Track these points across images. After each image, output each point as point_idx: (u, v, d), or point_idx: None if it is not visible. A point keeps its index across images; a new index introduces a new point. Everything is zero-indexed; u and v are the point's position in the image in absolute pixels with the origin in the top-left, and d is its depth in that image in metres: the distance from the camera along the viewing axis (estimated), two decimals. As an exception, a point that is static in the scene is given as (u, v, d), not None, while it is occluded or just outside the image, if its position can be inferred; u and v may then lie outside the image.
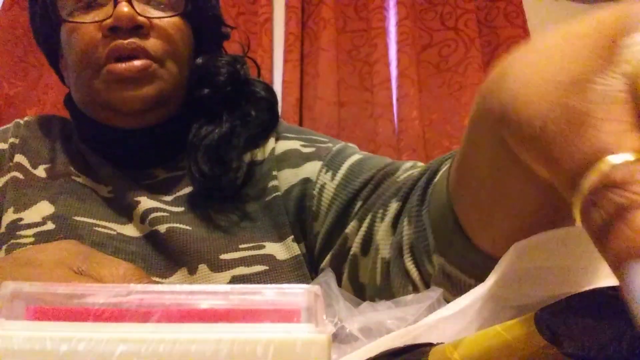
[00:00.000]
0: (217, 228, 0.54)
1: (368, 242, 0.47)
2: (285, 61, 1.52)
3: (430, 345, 0.21)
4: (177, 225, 0.53)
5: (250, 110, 0.60)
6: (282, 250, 0.54)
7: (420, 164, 0.50)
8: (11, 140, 0.59)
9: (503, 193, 0.28)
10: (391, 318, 0.27)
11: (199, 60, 0.60)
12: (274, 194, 0.56)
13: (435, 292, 0.29)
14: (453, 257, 0.35)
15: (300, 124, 1.47)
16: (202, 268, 0.50)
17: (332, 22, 1.58)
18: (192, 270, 0.50)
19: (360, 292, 0.48)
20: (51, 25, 0.57)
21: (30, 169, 0.57)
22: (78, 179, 0.57)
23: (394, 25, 1.59)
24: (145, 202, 0.55)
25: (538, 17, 1.78)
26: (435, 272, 0.37)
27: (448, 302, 0.29)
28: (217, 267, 0.50)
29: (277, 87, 1.52)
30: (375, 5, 1.62)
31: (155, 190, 0.58)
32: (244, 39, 0.65)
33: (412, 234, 0.40)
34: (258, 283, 0.50)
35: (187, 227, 0.53)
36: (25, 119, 0.63)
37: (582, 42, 0.19)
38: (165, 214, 0.54)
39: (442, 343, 0.21)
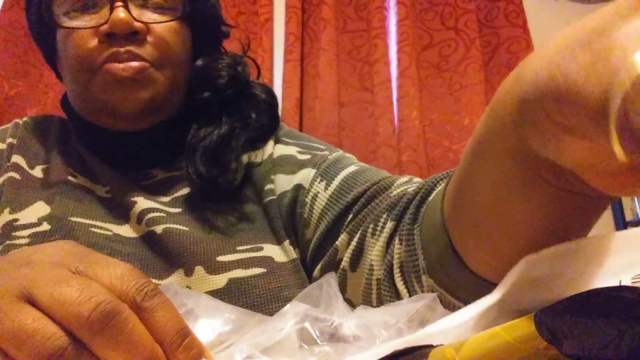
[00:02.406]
0: (214, 229, 0.54)
1: (358, 257, 0.47)
2: (285, 61, 1.52)
3: (430, 347, 0.21)
4: (174, 226, 0.52)
5: (250, 112, 0.60)
6: (280, 252, 0.53)
7: (416, 179, 0.49)
8: (9, 140, 0.58)
9: (504, 217, 0.27)
10: (387, 315, 0.27)
11: (199, 63, 0.60)
12: (270, 197, 0.56)
13: (431, 294, 0.29)
14: (443, 278, 0.34)
15: (300, 124, 1.47)
16: (199, 270, 0.50)
17: (332, 22, 1.58)
18: (189, 272, 0.50)
19: None
20: (47, 26, 0.56)
21: (27, 169, 0.56)
22: (75, 180, 0.57)
23: (394, 25, 1.59)
24: (142, 203, 0.54)
25: (538, 17, 1.78)
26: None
27: (442, 302, 0.29)
28: (214, 269, 0.50)
29: (277, 87, 1.52)
30: (375, 5, 1.62)
31: (153, 191, 0.57)
32: (243, 37, 0.64)
33: (402, 253, 0.40)
34: (256, 286, 0.49)
35: (184, 228, 0.53)
36: (24, 119, 0.63)
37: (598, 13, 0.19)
38: (161, 214, 0.54)
39: (442, 345, 0.21)
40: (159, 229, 0.52)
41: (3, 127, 0.62)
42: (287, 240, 0.54)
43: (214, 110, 0.59)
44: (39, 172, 0.57)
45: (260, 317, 0.29)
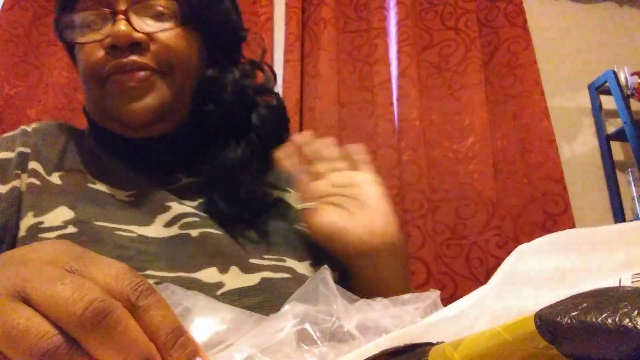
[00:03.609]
0: (244, 237, 0.57)
1: None
2: (285, 61, 1.52)
3: (430, 345, 0.21)
4: (209, 230, 0.55)
5: (267, 139, 0.62)
6: (302, 267, 0.56)
7: None
8: (20, 149, 0.58)
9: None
10: (388, 317, 0.27)
11: (209, 73, 0.61)
12: (296, 219, 0.61)
13: (434, 294, 0.29)
14: None
15: (300, 124, 1.47)
16: (234, 269, 0.52)
17: (332, 22, 1.58)
18: (224, 270, 0.52)
19: None
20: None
21: (45, 175, 0.57)
22: (94, 186, 0.58)
23: (394, 25, 1.59)
24: (177, 208, 0.57)
25: (538, 17, 1.78)
26: None
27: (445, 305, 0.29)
28: (248, 269, 0.52)
29: (277, 87, 1.52)
30: (376, 5, 1.62)
31: (181, 195, 0.59)
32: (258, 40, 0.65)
33: None
34: (284, 286, 0.52)
35: (219, 232, 0.55)
36: (33, 126, 0.63)
37: None
38: (196, 219, 0.56)
39: (442, 342, 0.20)
40: (194, 232, 0.54)
41: (9, 134, 0.61)
42: (309, 262, 0.58)
43: (225, 123, 0.61)
44: (57, 179, 0.57)
45: (258, 317, 0.29)
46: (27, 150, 0.58)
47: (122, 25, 0.52)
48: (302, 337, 0.27)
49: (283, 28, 1.60)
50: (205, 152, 0.61)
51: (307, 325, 0.27)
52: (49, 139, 0.61)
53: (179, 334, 0.25)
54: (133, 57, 0.54)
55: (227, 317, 0.28)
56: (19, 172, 0.56)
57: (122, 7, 0.54)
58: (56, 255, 0.26)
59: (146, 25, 0.55)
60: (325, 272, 0.32)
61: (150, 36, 0.55)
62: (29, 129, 0.62)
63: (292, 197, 0.64)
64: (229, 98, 0.60)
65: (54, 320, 0.23)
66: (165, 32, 0.56)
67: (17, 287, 0.23)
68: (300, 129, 1.46)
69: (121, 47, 0.53)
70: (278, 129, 0.64)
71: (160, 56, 0.55)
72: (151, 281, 0.47)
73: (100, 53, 0.54)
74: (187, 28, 0.57)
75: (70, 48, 0.63)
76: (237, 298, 0.49)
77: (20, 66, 1.51)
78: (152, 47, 0.55)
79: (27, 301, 0.23)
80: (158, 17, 0.56)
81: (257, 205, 0.59)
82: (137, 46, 0.54)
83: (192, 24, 0.58)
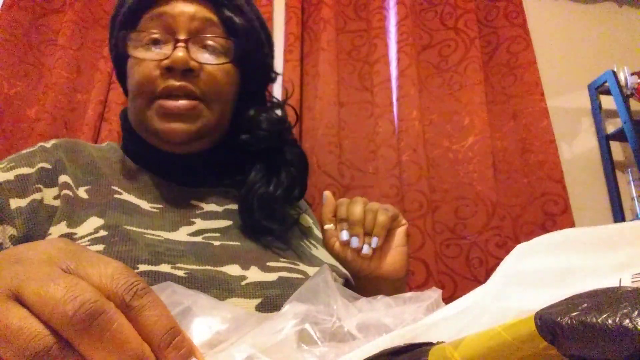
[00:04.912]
0: (261, 244, 0.62)
1: None
2: (285, 61, 1.52)
3: (430, 344, 0.21)
4: (229, 242, 0.60)
5: (294, 175, 0.70)
6: (313, 271, 0.61)
7: None
8: (41, 164, 0.59)
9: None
10: (389, 316, 0.27)
11: (251, 113, 0.69)
12: (308, 230, 0.71)
13: (435, 293, 0.29)
14: None
15: (300, 124, 1.47)
16: (254, 268, 0.56)
17: (332, 22, 1.58)
18: (245, 268, 0.55)
19: None
20: (123, 52, 0.65)
21: (75, 189, 0.59)
22: (120, 196, 0.61)
23: (394, 25, 1.59)
24: (201, 224, 0.61)
25: (538, 17, 1.78)
26: None
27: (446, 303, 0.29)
28: (266, 269, 0.56)
29: (277, 87, 1.52)
30: (375, 5, 1.62)
31: (207, 201, 0.66)
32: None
33: None
34: (301, 285, 0.57)
35: (237, 243, 0.60)
36: (52, 142, 0.65)
37: None
38: (218, 234, 0.61)
39: (442, 342, 0.20)
40: (216, 242, 0.59)
41: (28, 150, 0.63)
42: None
43: (256, 149, 0.69)
44: (84, 194, 0.60)
45: (258, 317, 0.29)
46: (49, 166, 0.60)
47: (180, 52, 0.59)
48: (302, 337, 0.27)
49: (283, 28, 1.60)
50: (236, 170, 0.68)
51: (307, 325, 0.27)
52: (70, 155, 0.64)
53: (174, 334, 0.25)
54: (184, 83, 0.60)
55: (228, 317, 0.28)
56: (39, 186, 0.56)
57: (183, 36, 0.61)
58: (53, 254, 0.26)
59: (201, 56, 0.62)
60: (326, 272, 0.32)
61: (202, 66, 0.62)
62: (47, 145, 0.64)
63: (303, 217, 0.76)
64: (263, 135, 0.68)
65: (46, 320, 0.23)
66: (215, 65, 0.63)
67: (12, 287, 0.23)
68: (300, 129, 1.46)
69: (176, 70, 0.60)
70: (305, 162, 0.73)
71: (206, 86, 0.62)
72: (181, 272, 0.50)
73: (156, 72, 0.61)
74: (231, 65, 0.65)
75: (118, 62, 0.69)
76: (260, 289, 0.52)
77: (20, 66, 1.50)
78: (202, 75, 0.62)
79: (20, 301, 0.23)
80: (211, 51, 0.63)
81: (289, 224, 0.68)
82: (189, 72, 0.60)
83: (237, 63, 0.65)
